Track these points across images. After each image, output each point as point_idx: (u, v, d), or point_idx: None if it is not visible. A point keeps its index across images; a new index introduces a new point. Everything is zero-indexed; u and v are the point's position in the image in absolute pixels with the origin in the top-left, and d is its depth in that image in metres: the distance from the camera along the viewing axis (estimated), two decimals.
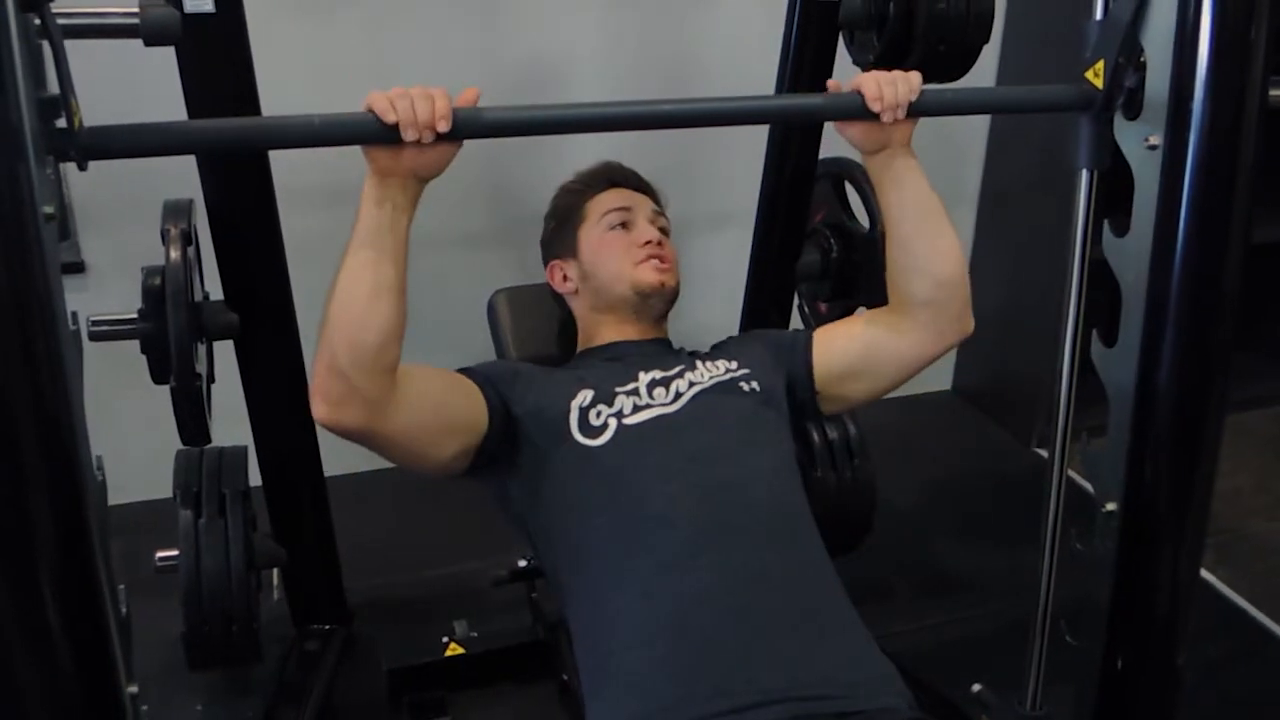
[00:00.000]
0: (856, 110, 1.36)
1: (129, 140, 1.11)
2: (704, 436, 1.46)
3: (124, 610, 1.08)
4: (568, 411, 1.46)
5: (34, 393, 0.93)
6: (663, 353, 1.64)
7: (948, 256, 1.48)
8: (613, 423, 1.45)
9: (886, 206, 1.49)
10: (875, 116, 1.35)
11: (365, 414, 1.27)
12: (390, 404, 1.29)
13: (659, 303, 1.65)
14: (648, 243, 1.65)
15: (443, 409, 1.39)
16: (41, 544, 0.95)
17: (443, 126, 1.20)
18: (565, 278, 1.71)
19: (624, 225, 1.67)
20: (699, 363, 1.58)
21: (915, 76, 1.37)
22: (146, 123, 1.12)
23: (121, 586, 1.08)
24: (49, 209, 0.92)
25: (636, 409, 1.48)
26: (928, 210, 1.47)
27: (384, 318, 1.25)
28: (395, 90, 1.20)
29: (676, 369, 1.55)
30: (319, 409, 1.27)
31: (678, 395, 1.51)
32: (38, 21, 0.95)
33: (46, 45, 0.99)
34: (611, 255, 1.65)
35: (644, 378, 1.52)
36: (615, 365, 1.57)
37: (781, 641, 1.30)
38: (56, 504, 0.96)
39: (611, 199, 1.70)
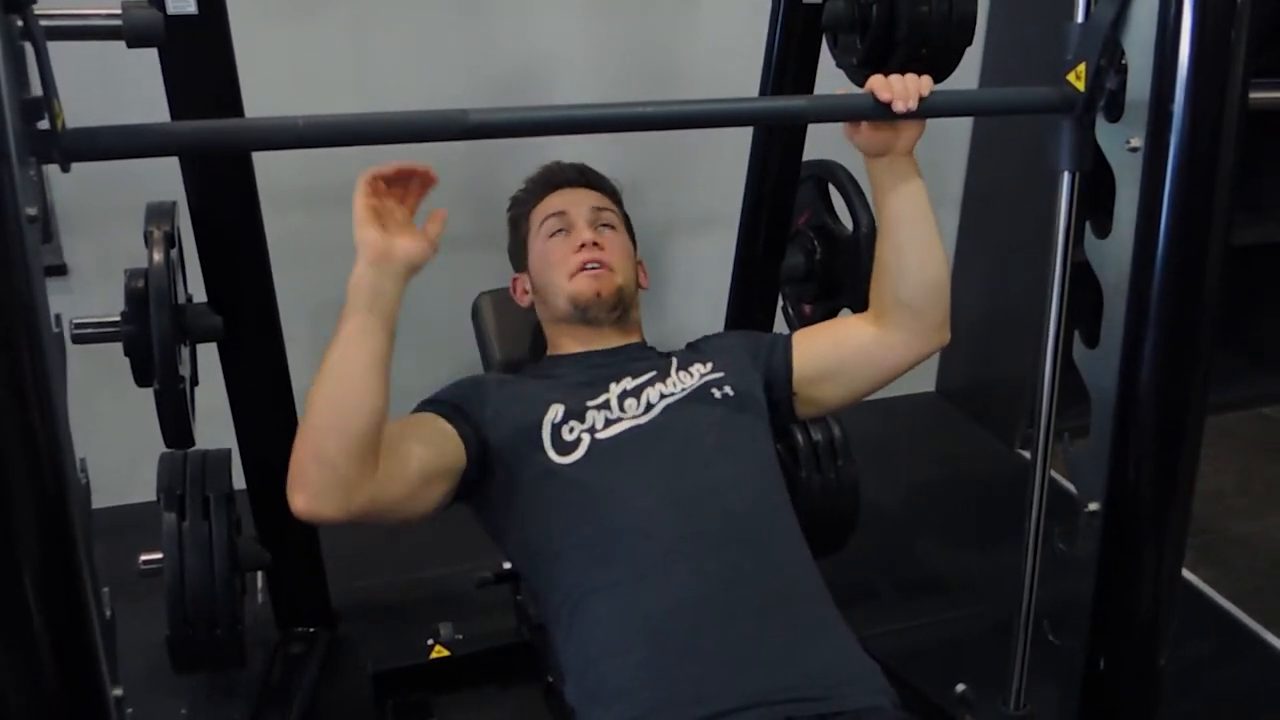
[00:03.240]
0: (868, 109, 1.36)
1: (112, 142, 1.10)
2: (677, 447, 1.46)
3: (108, 613, 1.08)
4: (540, 430, 1.45)
5: (17, 394, 0.93)
6: (633, 358, 1.61)
7: (936, 264, 1.50)
8: (585, 438, 1.45)
9: (883, 210, 1.50)
10: (885, 109, 1.34)
11: (345, 501, 1.23)
12: (374, 483, 1.25)
13: (601, 311, 1.60)
14: (582, 246, 1.61)
15: (422, 465, 1.35)
16: (25, 546, 0.95)
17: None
18: (524, 291, 1.72)
19: (562, 230, 1.64)
20: (672, 369, 1.57)
21: (925, 77, 1.37)
22: (130, 124, 1.11)
23: (105, 589, 1.07)
24: (32, 210, 0.93)
25: (609, 423, 1.47)
26: (922, 217, 1.48)
27: (375, 401, 1.23)
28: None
29: (648, 376, 1.54)
30: (298, 501, 1.23)
31: (649, 406, 1.50)
32: (20, 23, 0.95)
33: (28, 47, 0.99)
34: (550, 266, 1.63)
35: (614, 389, 1.52)
36: (584, 377, 1.56)
37: (762, 644, 1.30)
38: (40, 506, 0.96)
39: (549, 204, 1.68)
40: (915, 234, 1.49)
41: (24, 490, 0.95)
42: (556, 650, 1.43)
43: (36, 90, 1.01)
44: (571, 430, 1.45)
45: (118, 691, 1.07)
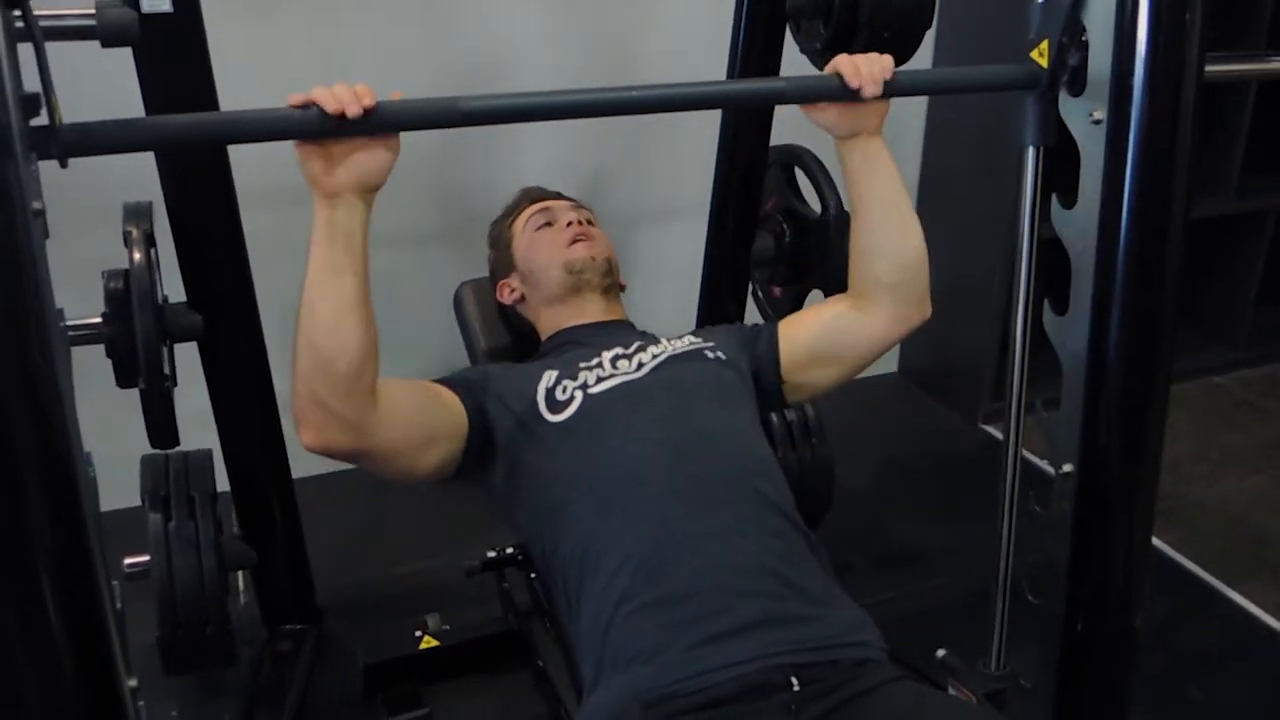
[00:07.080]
0: (835, 91, 1.39)
1: (110, 136, 1.11)
2: (670, 398, 1.50)
3: (119, 605, 1.08)
4: (535, 395, 1.50)
5: (28, 387, 0.93)
6: (623, 331, 1.69)
7: (912, 240, 1.54)
8: (578, 395, 1.49)
9: (856, 191, 1.53)
10: (854, 94, 1.38)
11: (352, 435, 1.31)
12: (373, 422, 1.32)
13: (593, 275, 1.71)
14: (570, 225, 1.75)
15: (424, 420, 1.42)
16: (39, 537, 0.95)
17: (367, 100, 1.20)
18: (511, 290, 1.81)
19: (548, 224, 1.78)
20: (663, 339, 1.62)
21: (887, 57, 1.40)
22: (128, 118, 1.12)
23: (115, 582, 1.08)
24: (38, 204, 0.93)
25: (600, 379, 1.51)
26: (896, 195, 1.52)
27: (355, 341, 1.27)
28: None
29: (637, 344, 1.60)
30: (306, 437, 1.30)
31: (641, 365, 1.55)
32: (20, 21, 0.96)
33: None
34: (541, 249, 1.75)
35: (606, 355, 1.57)
36: (578, 348, 1.61)
37: (763, 596, 1.33)
38: (53, 497, 0.95)
39: (531, 209, 1.83)
40: (890, 212, 1.52)
41: (37, 481, 0.95)
42: (567, 627, 1.44)
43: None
44: (565, 390, 1.50)
45: (132, 682, 1.07)
